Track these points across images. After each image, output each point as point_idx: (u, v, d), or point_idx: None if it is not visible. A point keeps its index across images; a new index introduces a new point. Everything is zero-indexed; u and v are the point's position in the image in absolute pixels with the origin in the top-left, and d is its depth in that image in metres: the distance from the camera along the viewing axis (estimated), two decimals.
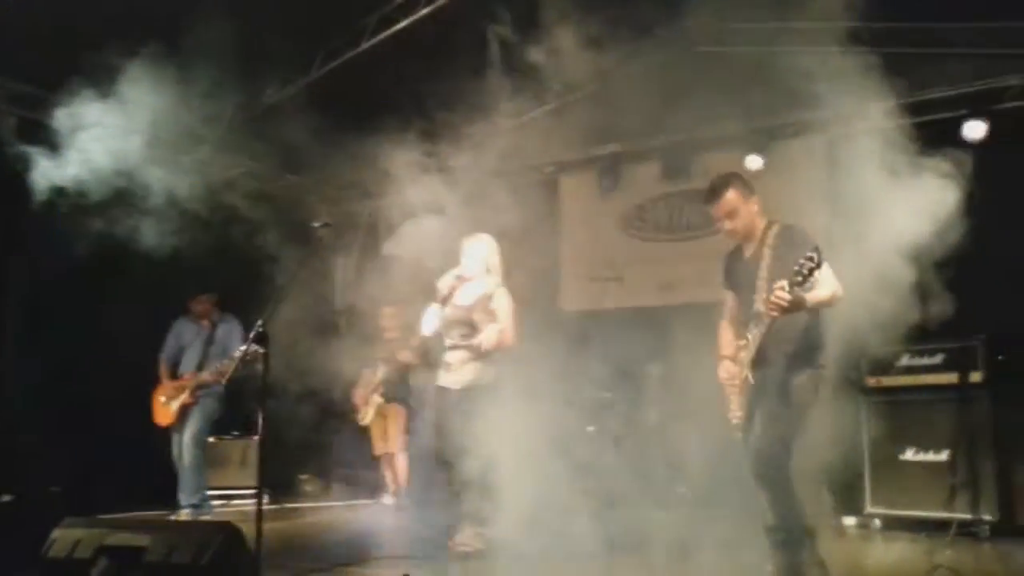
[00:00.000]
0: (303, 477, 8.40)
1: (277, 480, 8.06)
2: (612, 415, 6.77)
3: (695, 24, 7.84)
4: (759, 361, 3.57)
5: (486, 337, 4.82)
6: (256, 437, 7.83)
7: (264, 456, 3.77)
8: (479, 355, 4.85)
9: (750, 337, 3.56)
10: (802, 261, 3.27)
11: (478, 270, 5.02)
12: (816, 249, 3.27)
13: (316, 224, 3.92)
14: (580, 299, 7.60)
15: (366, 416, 7.20)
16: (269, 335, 3.59)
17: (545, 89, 8.47)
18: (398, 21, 7.17)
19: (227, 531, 2.72)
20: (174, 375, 6.46)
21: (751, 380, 3.59)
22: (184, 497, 6.20)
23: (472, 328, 4.89)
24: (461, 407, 4.81)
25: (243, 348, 5.47)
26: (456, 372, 4.91)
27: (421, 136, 8.69)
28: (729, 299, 3.91)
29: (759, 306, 3.55)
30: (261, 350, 3.45)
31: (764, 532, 3.63)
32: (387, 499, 7.22)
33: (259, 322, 3.62)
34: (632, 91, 8.25)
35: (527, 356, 6.78)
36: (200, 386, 6.30)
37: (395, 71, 7.41)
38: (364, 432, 7.33)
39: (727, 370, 3.76)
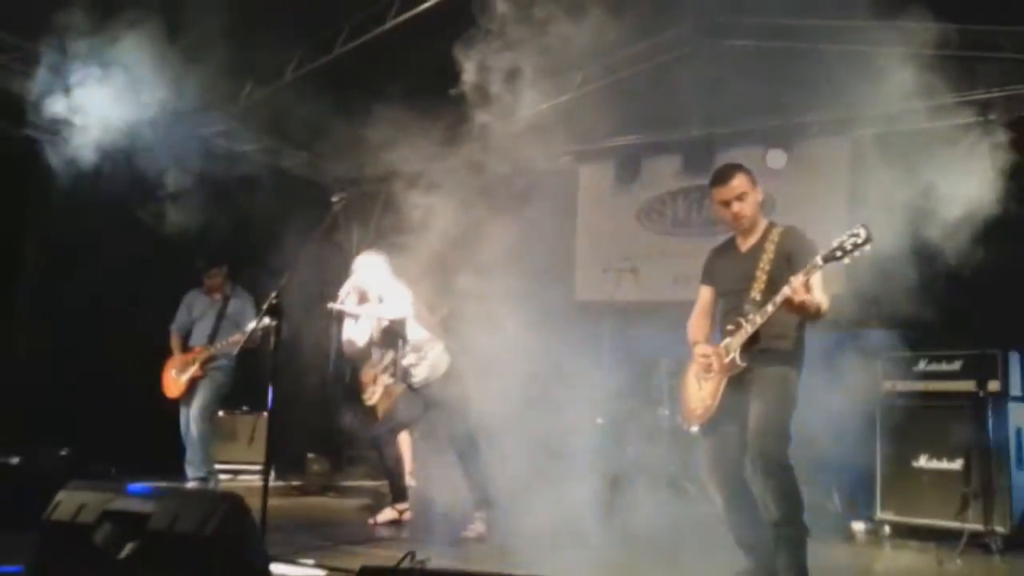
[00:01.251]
0: (311, 456, 8.38)
1: (286, 458, 8.06)
2: (622, 407, 6.71)
3: (722, 18, 7.79)
4: (752, 347, 3.49)
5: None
6: (266, 413, 7.84)
7: (273, 432, 3.74)
8: (421, 353, 5.28)
9: (745, 323, 3.49)
10: (846, 237, 3.21)
11: (369, 282, 5.30)
12: (865, 226, 3.20)
13: (333, 199, 3.89)
14: (594, 290, 7.54)
15: (373, 396, 7.16)
16: (282, 308, 3.54)
17: (567, 77, 8.48)
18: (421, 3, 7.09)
19: (232, 501, 2.68)
20: (185, 347, 6.47)
21: (739, 362, 3.49)
22: (191, 470, 6.19)
23: (395, 333, 5.31)
24: (431, 401, 5.27)
25: (255, 323, 5.57)
26: (411, 376, 5.35)
27: (442, 119, 8.72)
28: (706, 294, 3.86)
29: (756, 295, 3.50)
30: (274, 323, 3.44)
31: (757, 535, 3.53)
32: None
33: (272, 294, 3.59)
34: (655, 83, 8.21)
35: (538, 346, 6.78)
36: (211, 359, 6.28)
37: (420, 51, 7.37)
38: (372, 412, 7.30)
39: (704, 351, 3.65)
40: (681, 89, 7.98)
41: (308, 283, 6.51)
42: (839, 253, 3.23)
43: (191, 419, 6.23)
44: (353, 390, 7.43)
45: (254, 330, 5.50)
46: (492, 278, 5.75)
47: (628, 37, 8.13)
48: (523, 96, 8.65)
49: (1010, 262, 6.02)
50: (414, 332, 5.28)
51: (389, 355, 7.02)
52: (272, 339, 3.61)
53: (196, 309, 6.56)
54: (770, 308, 3.39)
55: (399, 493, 5.30)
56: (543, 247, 7.60)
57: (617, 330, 7.13)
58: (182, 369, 6.31)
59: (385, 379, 7.07)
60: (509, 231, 6.55)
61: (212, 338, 6.33)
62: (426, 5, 7.12)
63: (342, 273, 7.57)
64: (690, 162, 7.95)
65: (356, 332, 5.35)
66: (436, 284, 6.75)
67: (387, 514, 5.22)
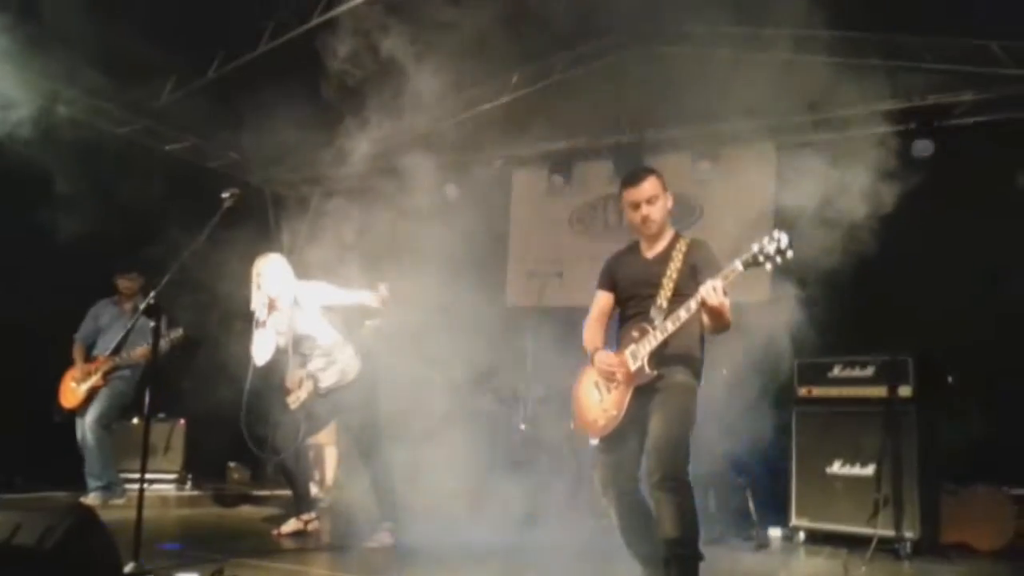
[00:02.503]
0: (232, 465, 8.17)
1: (206, 466, 7.85)
2: (545, 413, 6.63)
3: (654, 25, 7.80)
4: (659, 355, 3.39)
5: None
6: (182, 421, 7.61)
7: (147, 437, 3.57)
8: (331, 356, 5.03)
9: (653, 330, 3.39)
10: (766, 242, 3.11)
11: (278, 288, 5.03)
12: (785, 232, 3.10)
13: (224, 195, 3.74)
14: (523, 295, 7.47)
15: (297, 401, 6.94)
16: (161, 308, 3.38)
17: (501, 81, 8.43)
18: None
19: (78, 513, 2.53)
20: (89, 358, 6.23)
21: (648, 371, 3.37)
22: (92, 480, 5.95)
23: (308, 337, 5.05)
24: (340, 404, 5.02)
25: (163, 338, 5.43)
26: (321, 380, 5.05)
27: (370, 119, 8.59)
28: (604, 299, 3.74)
29: (662, 303, 3.41)
30: (180, 334, 3.28)
31: (656, 550, 3.36)
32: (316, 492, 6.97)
33: (151, 293, 3.43)
34: (588, 88, 8.20)
35: (464, 351, 6.68)
36: (113, 369, 6.07)
37: (347, 49, 7.25)
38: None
39: (607, 359, 3.49)
40: (613, 95, 7.98)
41: (213, 284, 6.38)
42: (760, 258, 3.14)
43: (87, 427, 6.01)
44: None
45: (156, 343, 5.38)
46: (422, 284, 5.65)
47: (562, 42, 8.15)
48: (457, 100, 8.66)
49: (924, 268, 6.10)
50: (324, 336, 5.05)
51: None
52: (169, 347, 3.42)
53: (103, 319, 6.32)
54: (683, 314, 3.28)
55: (304, 503, 5.11)
56: (476, 253, 7.53)
57: (543, 336, 7.05)
58: (82, 379, 6.09)
59: (310, 384, 6.89)
60: (441, 236, 6.45)
61: (118, 349, 6.08)
62: (355, 2, 6.99)
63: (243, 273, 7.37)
64: (621, 167, 7.90)
65: (259, 346, 5.04)
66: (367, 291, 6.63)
67: (292, 525, 5.03)
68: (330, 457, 7.01)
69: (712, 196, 7.45)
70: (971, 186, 6.41)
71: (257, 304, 5.01)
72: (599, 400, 3.54)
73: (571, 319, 7.16)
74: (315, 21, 7.16)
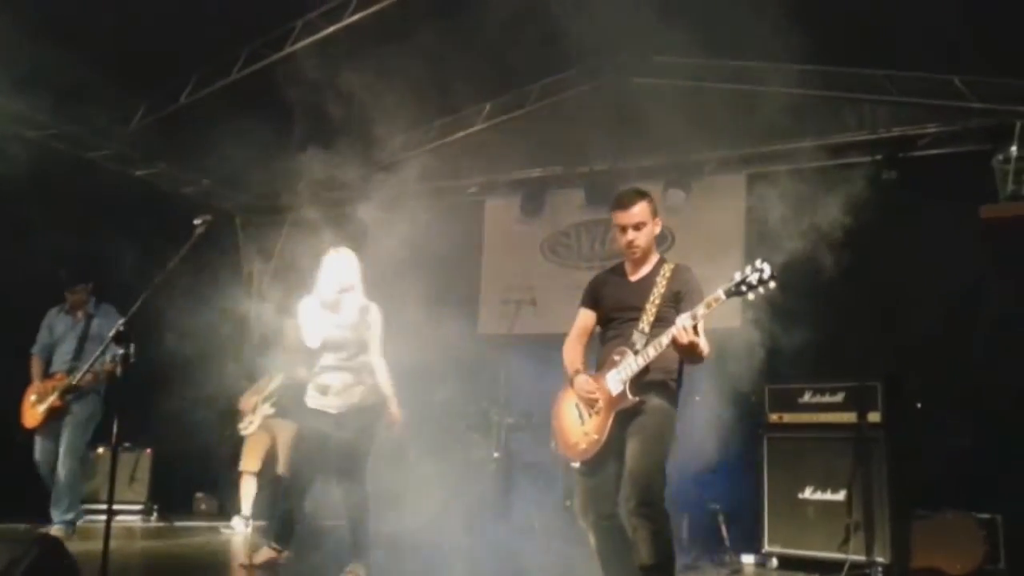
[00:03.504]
0: (199, 495, 8.02)
1: (171, 497, 7.70)
2: (518, 441, 6.62)
3: (625, 56, 7.92)
4: (639, 380, 3.40)
5: (382, 376, 4.66)
6: (148, 451, 7.47)
7: (115, 467, 3.49)
8: (361, 376, 4.62)
9: (634, 355, 3.40)
10: (749, 271, 3.13)
11: (356, 281, 4.72)
12: (768, 262, 3.13)
13: (196, 221, 3.71)
14: (495, 323, 7.47)
15: (250, 426, 6.80)
16: (131, 337, 3.33)
17: (474, 110, 8.51)
18: (325, 27, 7.00)
19: (44, 544, 2.48)
20: (46, 372, 5.96)
21: (630, 396, 3.37)
22: (57, 513, 5.70)
23: (361, 347, 4.64)
24: (343, 431, 4.55)
25: (109, 354, 5.25)
26: (339, 396, 4.59)
27: (343, 146, 8.61)
28: (587, 318, 3.73)
29: (644, 327, 3.43)
30: (122, 352, 3.18)
31: (630, 573, 3.35)
32: (237, 523, 6.69)
33: (120, 321, 3.38)
34: (560, 118, 8.29)
35: (440, 381, 6.65)
36: (70, 390, 5.77)
37: (320, 78, 7.27)
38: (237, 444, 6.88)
39: (587, 385, 3.49)
40: (585, 124, 8.08)
41: (185, 310, 6.32)
42: (743, 288, 3.16)
43: (61, 460, 5.72)
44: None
45: (114, 358, 5.22)
46: (394, 312, 5.62)
47: (534, 72, 8.25)
48: (429, 129, 8.71)
49: (891, 294, 6.20)
50: (366, 354, 4.66)
51: (276, 379, 6.73)
52: (118, 369, 3.35)
53: (57, 329, 6.05)
54: (665, 340, 3.29)
55: (282, 533, 4.78)
56: (448, 281, 7.52)
57: (516, 363, 7.05)
58: (41, 398, 5.83)
59: (265, 409, 6.77)
60: (414, 265, 6.44)
61: (75, 362, 5.83)
62: (328, 31, 7.03)
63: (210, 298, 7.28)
64: (592, 196, 8.00)
65: (318, 326, 4.58)
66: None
67: (264, 553, 4.83)
68: (249, 486, 6.85)
69: (683, 224, 7.53)
70: (935, 215, 6.55)
71: (328, 288, 4.61)
72: (580, 423, 3.54)
73: (544, 346, 7.20)
74: (288, 50, 7.18)
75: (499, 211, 8.73)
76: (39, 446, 5.84)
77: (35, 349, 6.05)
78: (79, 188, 7.18)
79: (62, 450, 5.76)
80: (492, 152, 8.43)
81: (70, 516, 5.76)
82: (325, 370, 4.62)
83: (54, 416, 5.78)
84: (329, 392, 4.59)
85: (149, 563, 4.94)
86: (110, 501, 3.39)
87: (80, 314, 6.05)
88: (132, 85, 7.33)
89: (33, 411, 5.83)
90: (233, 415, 7.21)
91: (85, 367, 5.43)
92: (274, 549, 4.74)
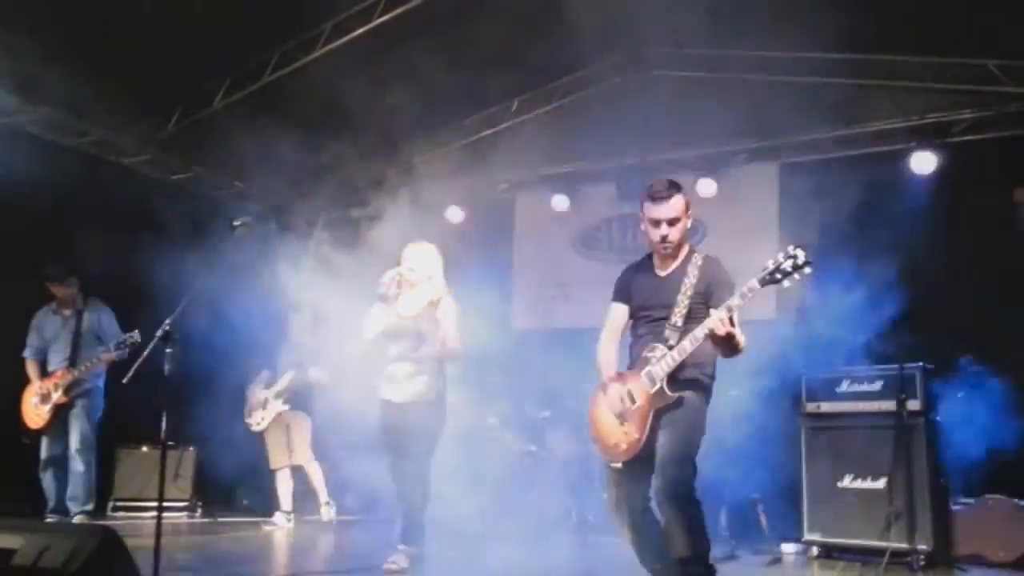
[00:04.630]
0: (240, 490, 8.15)
1: (214, 494, 7.84)
2: (553, 434, 6.65)
3: (653, 48, 7.92)
4: (676, 376, 3.38)
5: (428, 349, 4.68)
6: (191, 448, 7.62)
7: (164, 461, 3.59)
8: (423, 367, 4.69)
9: (669, 351, 3.37)
10: (783, 258, 3.11)
11: (422, 276, 4.81)
12: (802, 247, 3.10)
13: (235, 223, 3.79)
14: (528, 318, 7.52)
15: (262, 422, 6.86)
16: (175, 336, 3.42)
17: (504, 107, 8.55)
18: (355, 28, 7.07)
19: (104, 535, 2.55)
20: (44, 373, 5.94)
21: (669, 393, 3.35)
22: (75, 505, 5.78)
23: (420, 338, 4.71)
24: (405, 421, 4.65)
25: (123, 339, 5.40)
26: (401, 385, 4.71)
27: (375, 148, 8.69)
28: (619, 313, 3.67)
29: (677, 321, 3.42)
30: (137, 339, 3.27)
31: (669, 566, 3.36)
32: (279, 518, 6.79)
33: (166, 322, 3.47)
34: (590, 112, 8.30)
35: (475, 375, 6.70)
36: (75, 383, 5.78)
37: (350, 80, 7.35)
38: (259, 439, 6.94)
39: (619, 398, 3.43)
40: (615, 118, 8.09)
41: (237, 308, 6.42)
42: (778, 275, 3.13)
43: (72, 455, 5.77)
44: None
45: (119, 344, 5.41)
46: None
47: (562, 67, 8.27)
48: (460, 126, 8.77)
49: (928, 281, 6.15)
50: (430, 345, 4.71)
51: (287, 376, 6.80)
52: (167, 367, 3.42)
53: (48, 330, 6.00)
54: (701, 334, 3.26)
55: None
56: (480, 276, 7.57)
57: (550, 357, 7.08)
58: (44, 398, 5.80)
59: (278, 405, 6.82)
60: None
61: (73, 359, 5.82)
62: (358, 32, 7.09)
63: (257, 300, 7.40)
64: (623, 190, 8.01)
65: (373, 319, 4.75)
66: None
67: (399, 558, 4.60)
68: (317, 474, 6.94)
69: (716, 215, 7.51)
70: (972, 201, 6.49)
71: (387, 279, 4.73)
72: (619, 424, 3.48)
73: (579, 339, 7.25)
74: (319, 52, 7.26)
75: (530, 206, 8.77)
76: (47, 445, 5.87)
77: (27, 352, 6.01)
78: (116, 194, 7.32)
79: (74, 444, 5.79)
80: (522, 148, 8.46)
81: (90, 507, 5.85)
82: (391, 360, 4.75)
83: (60, 413, 5.80)
84: (394, 381, 4.73)
85: (198, 559, 5.04)
86: (160, 498, 3.50)
87: (69, 311, 5.99)
88: (164, 90, 7.46)
89: (38, 411, 5.83)
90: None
91: (85, 360, 5.61)
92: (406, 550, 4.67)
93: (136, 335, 5.48)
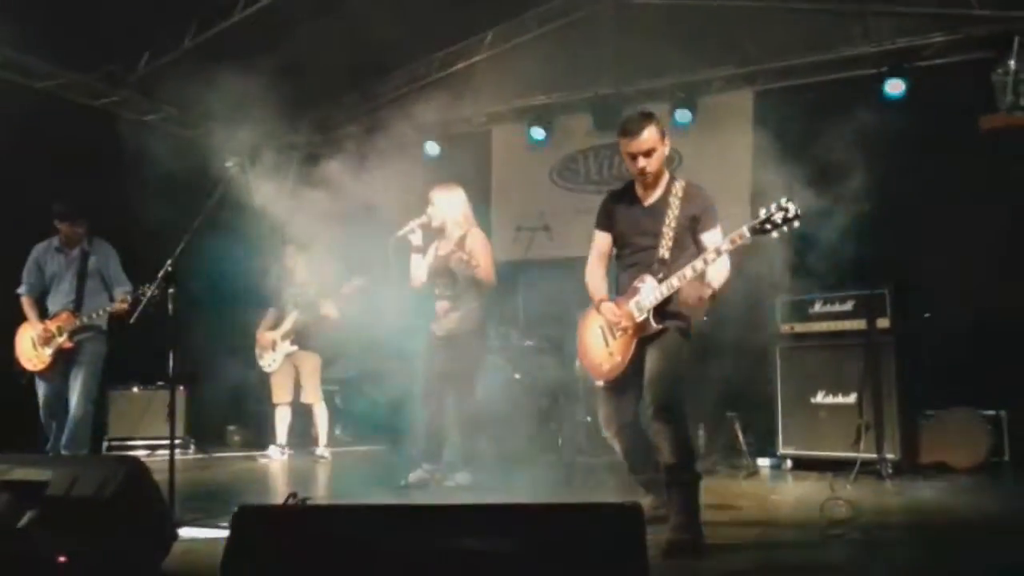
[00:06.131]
0: (231, 428, 8.32)
1: (205, 430, 8.00)
2: (537, 363, 6.85)
3: None
4: (663, 309, 3.53)
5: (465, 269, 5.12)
6: (182, 388, 7.72)
7: (173, 399, 3.71)
8: (459, 302, 5.18)
9: (658, 283, 3.50)
10: (774, 209, 3.23)
11: (445, 220, 5.23)
12: (792, 201, 3.22)
13: (227, 163, 3.86)
14: (509, 249, 7.62)
15: (273, 363, 6.95)
16: (176, 276, 3.51)
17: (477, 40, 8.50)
18: None
19: (130, 464, 2.70)
20: (43, 312, 5.71)
21: (653, 324, 3.53)
22: (72, 451, 5.54)
23: (452, 275, 5.18)
24: (445, 352, 5.18)
25: (146, 286, 5.23)
26: (440, 321, 5.24)
27: (350, 84, 8.62)
28: (603, 240, 3.84)
29: (664, 253, 3.55)
30: (171, 291, 3.32)
31: (657, 473, 3.62)
32: (274, 451, 6.94)
33: (168, 262, 3.55)
34: (563, 43, 8.29)
35: None
36: (79, 329, 5.59)
37: (322, 17, 7.27)
38: (265, 378, 7.08)
39: (613, 312, 3.64)
40: (590, 48, 8.09)
41: (219, 248, 6.46)
42: (768, 226, 3.24)
43: (76, 401, 5.56)
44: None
45: (136, 294, 5.09)
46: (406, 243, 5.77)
47: None
48: (433, 60, 8.72)
49: (898, 205, 6.34)
50: (462, 281, 5.20)
51: (291, 318, 6.91)
52: (170, 306, 3.52)
53: (50, 267, 5.73)
54: (689, 272, 3.40)
55: (430, 450, 5.23)
56: None
57: (532, 288, 7.24)
58: (46, 340, 5.57)
59: (286, 346, 6.95)
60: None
61: (79, 301, 5.62)
62: None
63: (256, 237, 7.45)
64: (600, 120, 8.06)
65: (413, 269, 5.29)
66: (350, 253, 6.75)
67: (418, 475, 5.16)
68: (321, 415, 7.10)
69: (691, 144, 7.61)
70: (942, 126, 6.63)
71: (414, 227, 5.16)
72: (605, 345, 3.72)
73: (559, 269, 7.41)
74: None
75: (506, 139, 8.81)
76: (45, 388, 5.65)
77: (23, 289, 5.76)
78: (91, 136, 7.25)
79: (77, 391, 5.55)
80: (496, 81, 8.45)
81: (86, 452, 5.70)
82: (434, 298, 5.25)
83: (62, 357, 5.59)
84: (436, 317, 5.24)
85: (203, 489, 5.21)
86: (172, 435, 3.64)
87: (75, 251, 5.75)
88: (135, 30, 7.33)
89: (37, 352, 5.60)
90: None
91: (95, 306, 5.44)
92: (425, 469, 5.18)
93: (151, 288, 5.30)
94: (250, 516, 1.93)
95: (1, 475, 2.77)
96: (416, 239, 5.21)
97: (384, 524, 1.78)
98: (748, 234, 3.30)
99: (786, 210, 3.24)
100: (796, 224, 3.25)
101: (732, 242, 3.34)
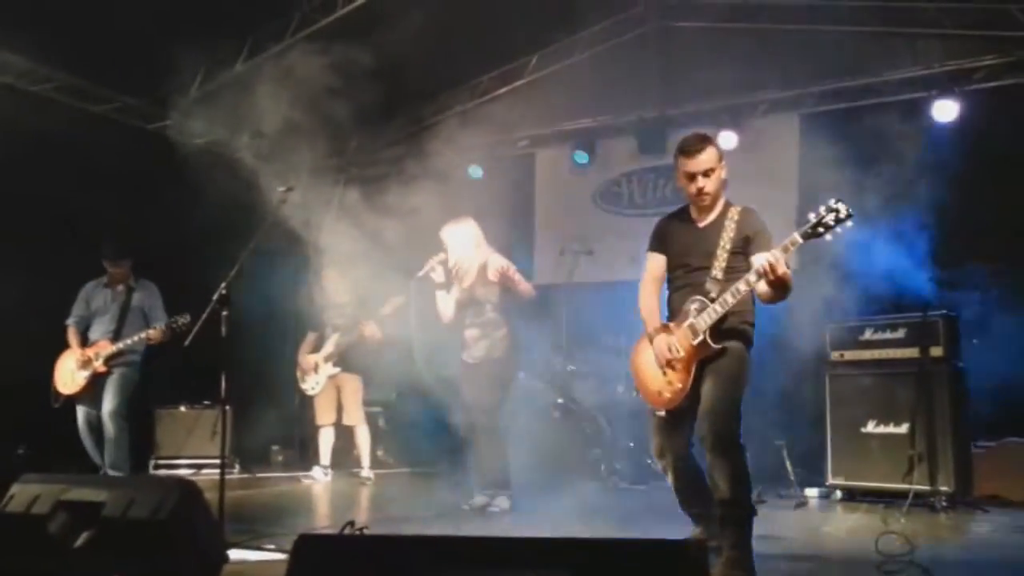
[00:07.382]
0: (275, 448, 8.39)
1: (250, 450, 8.07)
2: (580, 388, 6.81)
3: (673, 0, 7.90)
4: (719, 327, 3.46)
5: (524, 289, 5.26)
6: (227, 408, 7.80)
7: (224, 420, 3.76)
8: (487, 329, 5.22)
9: (711, 303, 3.43)
10: (824, 212, 3.13)
11: (464, 252, 5.27)
12: (842, 201, 3.12)
13: (280, 188, 3.91)
14: (552, 273, 7.63)
15: (316, 386, 6.96)
16: (230, 299, 3.56)
17: (522, 63, 8.56)
18: None
19: (185, 487, 2.73)
20: (85, 342, 6.07)
21: (713, 345, 3.45)
22: (114, 472, 5.83)
23: (477, 304, 5.24)
24: (477, 379, 5.24)
25: (172, 320, 5.56)
26: (471, 348, 5.30)
27: (395, 107, 8.71)
28: (658, 263, 3.77)
29: (717, 274, 3.51)
30: (187, 320, 3.40)
31: (709, 508, 3.53)
32: (317, 472, 6.97)
33: (222, 285, 3.61)
34: (608, 67, 8.31)
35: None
36: (117, 355, 5.91)
37: (374, 39, 7.37)
38: (308, 399, 7.14)
39: (665, 349, 3.54)
40: (634, 71, 8.10)
41: (264, 272, 6.56)
42: (820, 229, 3.15)
43: (106, 421, 5.89)
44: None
45: (170, 323, 5.56)
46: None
47: (579, 21, 8.25)
48: (478, 84, 8.79)
49: (950, 228, 6.23)
50: (491, 309, 5.25)
51: (332, 339, 6.96)
52: (223, 328, 3.59)
53: (95, 302, 6.16)
54: (743, 287, 3.33)
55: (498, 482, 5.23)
56: (502, 233, 7.66)
57: (575, 312, 7.22)
58: (83, 365, 5.92)
59: (328, 368, 6.99)
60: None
61: (118, 332, 5.98)
62: None
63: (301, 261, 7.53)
64: (644, 144, 8.06)
65: (441, 306, 5.36)
66: (395, 273, 6.79)
67: (479, 500, 5.21)
68: (363, 437, 7.12)
69: (737, 167, 7.53)
70: (992, 149, 6.52)
71: (434, 265, 5.23)
72: (663, 373, 3.59)
73: (602, 293, 7.39)
74: (340, 12, 7.29)
75: (550, 162, 8.84)
76: (82, 413, 5.99)
77: (71, 320, 6.14)
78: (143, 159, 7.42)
79: (108, 411, 5.86)
80: (541, 104, 8.49)
81: (125, 473, 5.87)
82: (465, 327, 5.31)
83: (96, 381, 5.90)
84: (466, 346, 5.30)
85: (249, 511, 5.25)
86: (222, 454, 3.68)
87: (121, 288, 6.15)
88: (187, 53, 7.51)
89: (74, 377, 5.93)
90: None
91: (132, 335, 5.77)
92: (486, 495, 5.22)
93: (187, 317, 5.55)
94: (310, 544, 1.94)
95: (58, 496, 2.81)
96: (438, 276, 5.25)
97: (443, 556, 1.78)
98: (800, 239, 3.20)
99: (837, 211, 3.13)
100: (849, 224, 3.14)
101: (785, 249, 3.23)
